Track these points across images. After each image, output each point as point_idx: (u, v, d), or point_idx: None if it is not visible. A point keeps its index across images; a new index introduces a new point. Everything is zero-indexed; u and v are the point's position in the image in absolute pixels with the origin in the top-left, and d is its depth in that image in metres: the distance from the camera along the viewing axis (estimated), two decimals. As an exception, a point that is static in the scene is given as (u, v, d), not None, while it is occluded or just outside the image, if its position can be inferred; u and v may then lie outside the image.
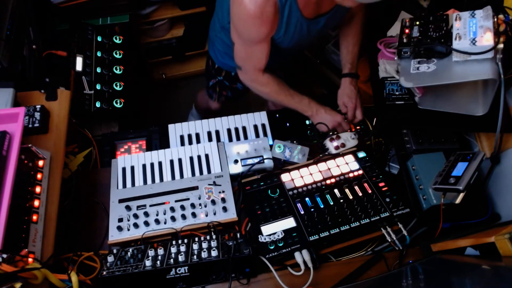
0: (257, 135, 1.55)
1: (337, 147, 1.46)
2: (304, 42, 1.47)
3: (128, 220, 1.28)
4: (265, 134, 1.55)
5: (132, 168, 1.41)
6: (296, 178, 1.37)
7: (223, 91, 1.90)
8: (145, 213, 1.29)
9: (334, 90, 2.19)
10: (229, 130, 1.56)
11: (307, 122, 1.61)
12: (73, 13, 1.85)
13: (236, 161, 1.43)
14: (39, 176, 1.19)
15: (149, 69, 2.75)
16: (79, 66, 1.67)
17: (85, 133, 1.56)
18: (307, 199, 1.31)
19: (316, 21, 1.34)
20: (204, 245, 1.16)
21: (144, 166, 1.42)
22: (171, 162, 1.43)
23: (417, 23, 1.31)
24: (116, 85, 1.73)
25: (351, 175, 1.37)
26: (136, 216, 1.29)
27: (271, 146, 1.47)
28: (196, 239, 1.20)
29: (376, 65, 1.52)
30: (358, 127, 1.60)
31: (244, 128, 1.57)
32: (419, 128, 1.41)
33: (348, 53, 1.57)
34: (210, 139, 1.53)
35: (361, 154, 1.44)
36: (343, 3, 1.20)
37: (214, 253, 1.12)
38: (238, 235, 1.19)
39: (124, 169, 1.41)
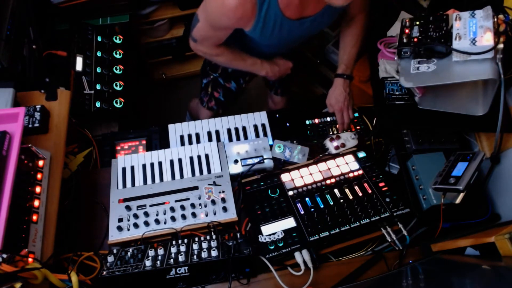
0: (257, 135, 1.55)
1: (337, 147, 1.46)
2: (289, 42, 1.46)
3: (128, 220, 1.28)
4: (265, 134, 1.55)
5: (132, 168, 1.41)
6: (296, 178, 1.37)
7: (214, 91, 1.85)
8: (145, 213, 1.29)
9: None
10: (229, 130, 1.56)
11: (307, 122, 1.61)
12: (73, 13, 1.85)
13: (236, 161, 1.43)
14: (39, 176, 1.19)
15: (149, 69, 2.75)
16: (79, 66, 1.67)
17: (85, 133, 1.56)
18: (307, 199, 1.31)
19: (300, 22, 1.32)
20: (204, 245, 1.16)
21: (144, 166, 1.42)
22: (171, 162, 1.43)
23: (417, 23, 1.31)
24: (116, 85, 1.73)
25: (351, 175, 1.37)
26: (136, 216, 1.29)
27: (271, 146, 1.47)
28: (196, 239, 1.20)
29: (376, 65, 1.52)
30: (358, 127, 1.60)
31: (244, 128, 1.57)
32: (419, 128, 1.41)
33: (345, 53, 1.56)
34: (210, 139, 1.53)
35: (361, 154, 1.44)
36: (332, 3, 1.18)
37: (214, 253, 1.12)
38: (238, 235, 1.19)
39: (124, 169, 1.41)
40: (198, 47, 1.50)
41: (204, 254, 1.12)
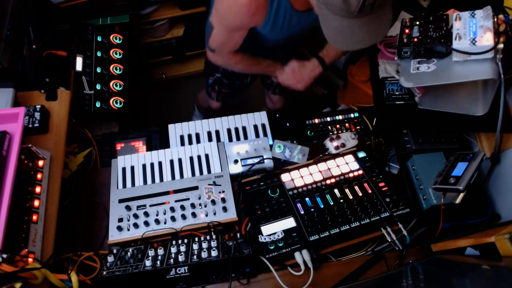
0: (257, 135, 1.55)
1: (337, 147, 1.46)
2: (295, 34, 1.45)
3: (128, 220, 1.28)
4: (265, 134, 1.55)
5: (132, 168, 1.41)
6: (296, 178, 1.37)
7: (222, 89, 1.88)
8: (145, 213, 1.29)
9: (334, 90, 2.18)
10: (229, 130, 1.56)
11: (307, 122, 1.60)
12: (73, 13, 1.85)
13: (236, 161, 1.43)
14: (39, 176, 1.19)
15: (149, 69, 2.75)
16: (79, 66, 1.66)
17: (85, 133, 1.56)
18: (307, 199, 1.31)
19: (307, 13, 1.33)
20: (204, 245, 1.16)
21: (144, 166, 1.42)
22: (171, 162, 1.43)
23: (417, 23, 1.31)
24: (116, 85, 1.73)
25: (351, 175, 1.37)
26: (136, 216, 1.29)
27: (271, 146, 1.47)
28: (196, 239, 1.20)
29: (376, 65, 1.52)
30: (358, 127, 1.60)
31: (244, 128, 1.57)
32: (419, 128, 1.41)
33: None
34: (210, 139, 1.53)
35: (361, 154, 1.44)
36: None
37: (214, 253, 1.12)
38: (238, 235, 1.19)
39: (124, 169, 1.41)
40: (217, 58, 1.50)
41: (204, 254, 1.12)
